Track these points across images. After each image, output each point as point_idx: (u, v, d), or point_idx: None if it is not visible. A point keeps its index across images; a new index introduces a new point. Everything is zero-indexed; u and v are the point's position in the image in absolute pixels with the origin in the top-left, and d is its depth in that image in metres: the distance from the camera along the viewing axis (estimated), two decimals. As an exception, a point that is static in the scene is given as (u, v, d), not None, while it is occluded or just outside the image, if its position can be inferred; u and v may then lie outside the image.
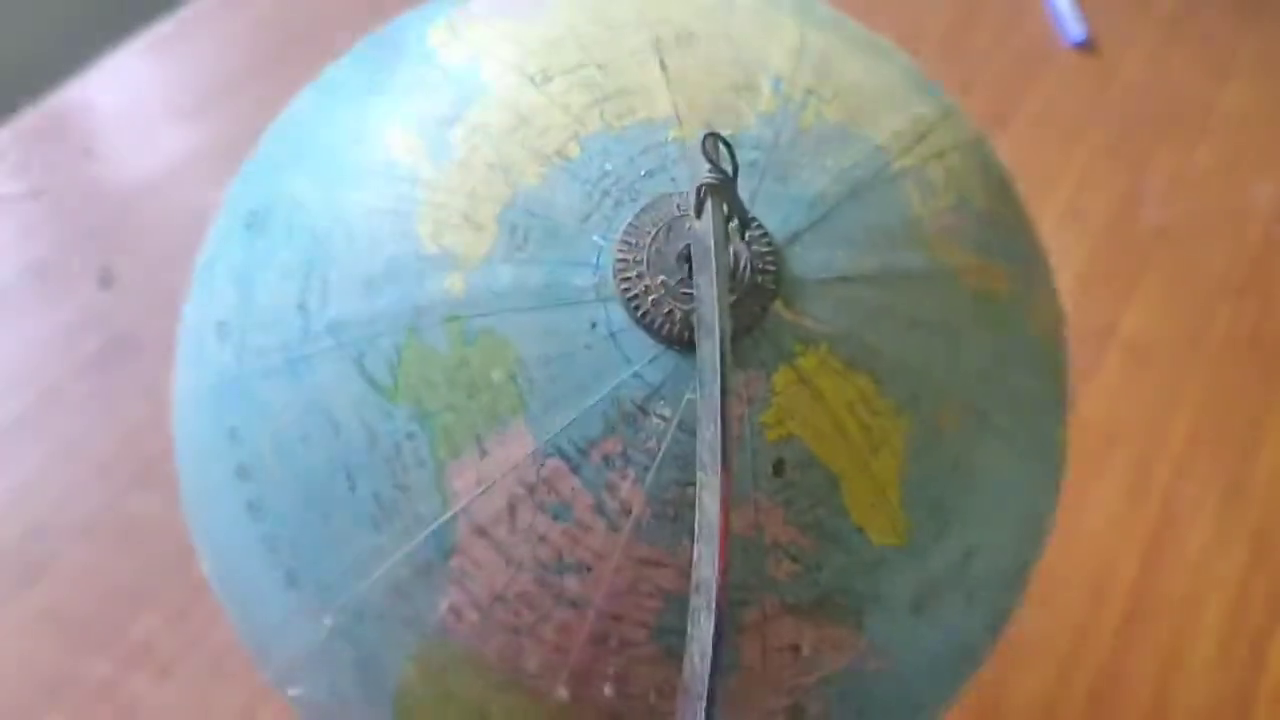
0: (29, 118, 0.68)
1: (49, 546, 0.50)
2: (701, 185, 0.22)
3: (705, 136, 0.22)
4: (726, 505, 0.21)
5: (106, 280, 0.60)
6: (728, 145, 0.22)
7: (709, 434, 0.21)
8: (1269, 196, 0.70)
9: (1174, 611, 0.53)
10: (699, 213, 0.22)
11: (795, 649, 0.25)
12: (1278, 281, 0.66)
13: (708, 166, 0.21)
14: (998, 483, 0.26)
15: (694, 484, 0.23)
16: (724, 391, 0.21)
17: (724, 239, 0.21)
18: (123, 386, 0.56)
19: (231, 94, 0.68)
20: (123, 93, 0.69)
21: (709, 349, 0.21)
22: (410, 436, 0.24)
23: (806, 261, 0.24)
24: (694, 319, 0.23)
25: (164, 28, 0.72)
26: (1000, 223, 0.28)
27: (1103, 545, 0.55)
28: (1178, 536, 0.55)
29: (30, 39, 0.82)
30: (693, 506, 0.23)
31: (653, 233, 0.23)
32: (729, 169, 0.22)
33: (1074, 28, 0.76)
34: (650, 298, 0.23)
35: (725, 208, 0.22)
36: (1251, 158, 0.72)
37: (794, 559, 0.24)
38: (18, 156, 0.66)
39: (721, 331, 0.21)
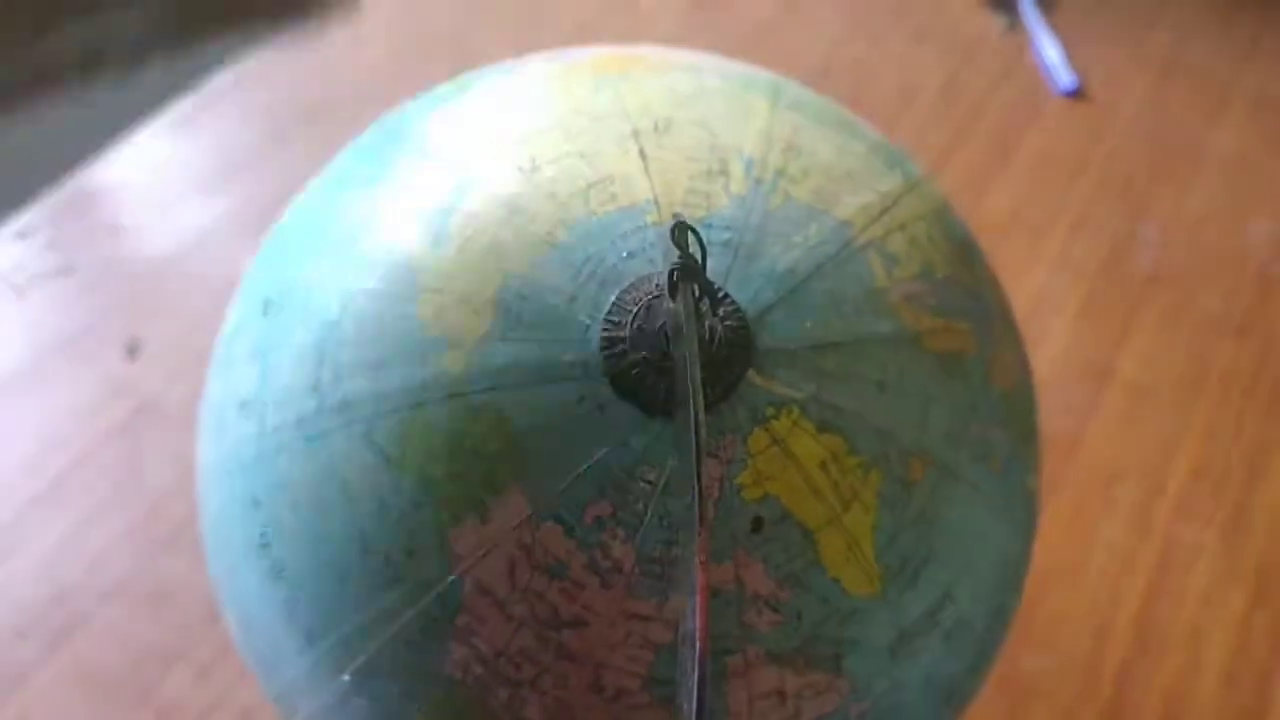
0: (58, 197, 0.71)
1: (79, 609, 0.52)
2: (672, 269, 0.24)
3: (674, 225, 0.24)
4: (705, 562, 0.22)
5: (133, 350, 0.63)
6: (695, 232, 0.24)
7: (688, 497, 0.23)
8: (1266, 235, 0.71)
9: (1178, 649, 0.53)
10: (672, 295, 0.24)
11: (780, 695, 0.26)
12: (1276, 320, 0.66)
13: (678, 253, 0.23)
14: (968, 531, 0.28)
15: (679, 542, 0.25)
16: (698, 458, 0.22)
17: (694, 319, 0.23)
18: (150, 453, 0.58)
19: (250, 168, 0.71)
20: (146, 170, 0.72)
21: (685, 419, 0.23)
22: (417, 505, 0.26)
23: (777, 332, 0.26)
24: (673, 391, 0.25)
25: (184, 106, 0.75)
26: (963, 285, 0.30)
27: (1105, 583, 0.55)
28: (1180, 574, 0.56)
29: (58, 119, 0.86)
30: (678, 564, 0.25)
31: (634, 311, 0.26)
32: (698, 253, 0.24)
33: (1065, 77, 0.78)
34: (634, 372, 0.25)
35: (696, 289, 0.24)
36: (1247, 197, 0.73)
37: (774, 610, 0.26)
38: (48, 235, 0.69)
39: (695, 403, 0.23)
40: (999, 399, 0.29)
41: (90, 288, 0.66)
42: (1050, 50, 0.79)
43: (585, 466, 0.25)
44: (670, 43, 0.78)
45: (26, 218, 0.70)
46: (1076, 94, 0.78)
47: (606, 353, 0.25)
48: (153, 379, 0.62)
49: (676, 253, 0.24)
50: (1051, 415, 0.61)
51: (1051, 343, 0.64)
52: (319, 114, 0.74)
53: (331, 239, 0.29)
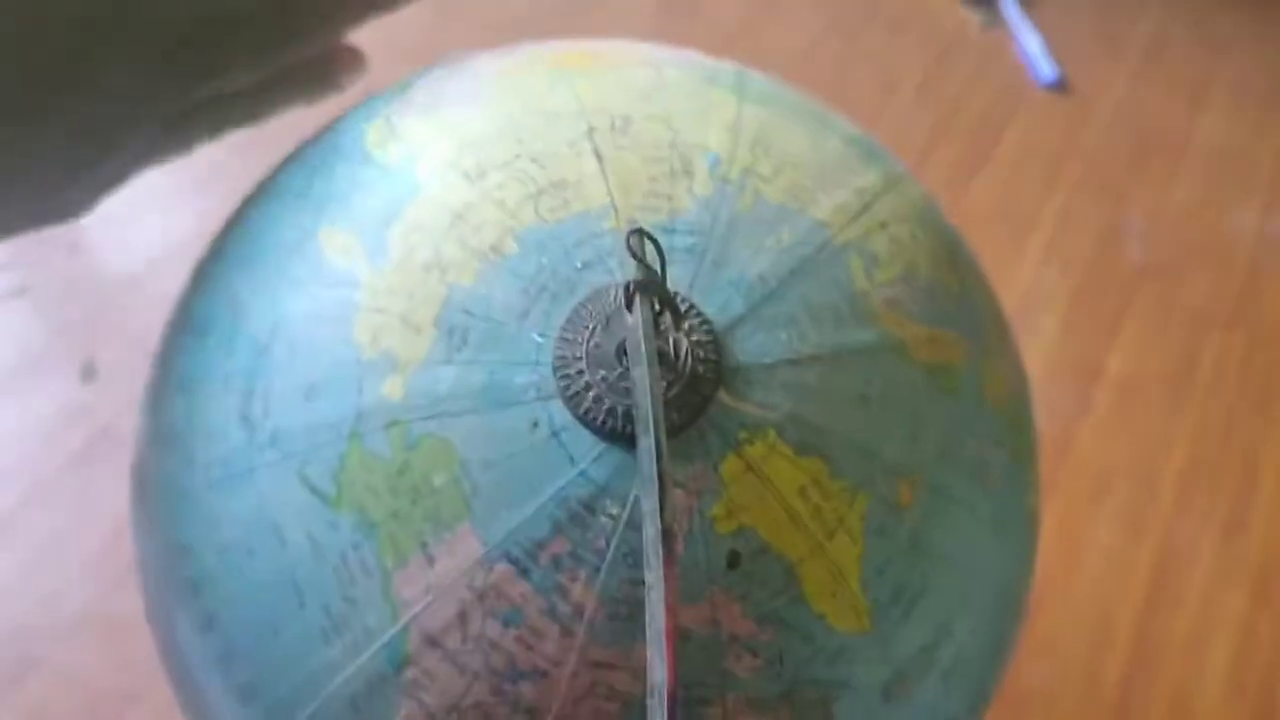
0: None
1: (34, 647, 0.50)
2: (629, 283, 0.21)
3: (630, 232, 0.21)
4: (674, 606, 0.20)
5: (90, 374, 0.60)
6: (653, 239, 0.22)
7: (651, 532, 0.20)
8: (1250, 225, 0.70)
9: (1180, 654, 0.52)
10: (629, 308, 0.22)
11: (763, 745, 0.24)
12: (1264, 310, 0.65)
13: (635, 263, 0.21)
14: (964, 558, 0.26)
15: (646, 583, 0.22)
16: (663, 490, 0.20)
17: (654, 338, 0.21)
18: (106, 481, 0.56)
19: (211, 185, 0.68)
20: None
21: (646, 446, 0.21)
22: (356, 546, 0.23)
23: (749, 346, 0.24)
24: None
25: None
26: (950, 290, 0.27)
27: (1103, 589, 0.54)
28: (1179, 576, 0.54)
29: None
30: (645, 606, 0.22)
31: (591, 327, 0.23)
32: (659, 263, 0.21)
33: (1046, 69, 0.76)
34: (591, 394, 0.23)
35: (655, 302, 0.21)
36: (1230, 188, 0.72)
37: (754, 653, 0.23)
38: (2, 254, 0.66)
39: (657, 428, 0.20)
40: (993, 413, 0.27)
41: (45, 309, 0.64)
42: (1031, 42, 0.78)
43: (540, 501, 0.23)
44: (640, 43, 0.76)
45: (-24, 238, 0.67)
46: (1058, 86, 0.76)
47: (561, 373, 0.23)
48: (110, 404, 0.59)
49: (630, 255, 0.22)
50: (1040, 416, 0.59)
51: (1040, 341, 0.63)
52: (282, 130, 0.71)
53: (263, 256, 0.27)
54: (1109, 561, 0.55)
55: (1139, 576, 0.54)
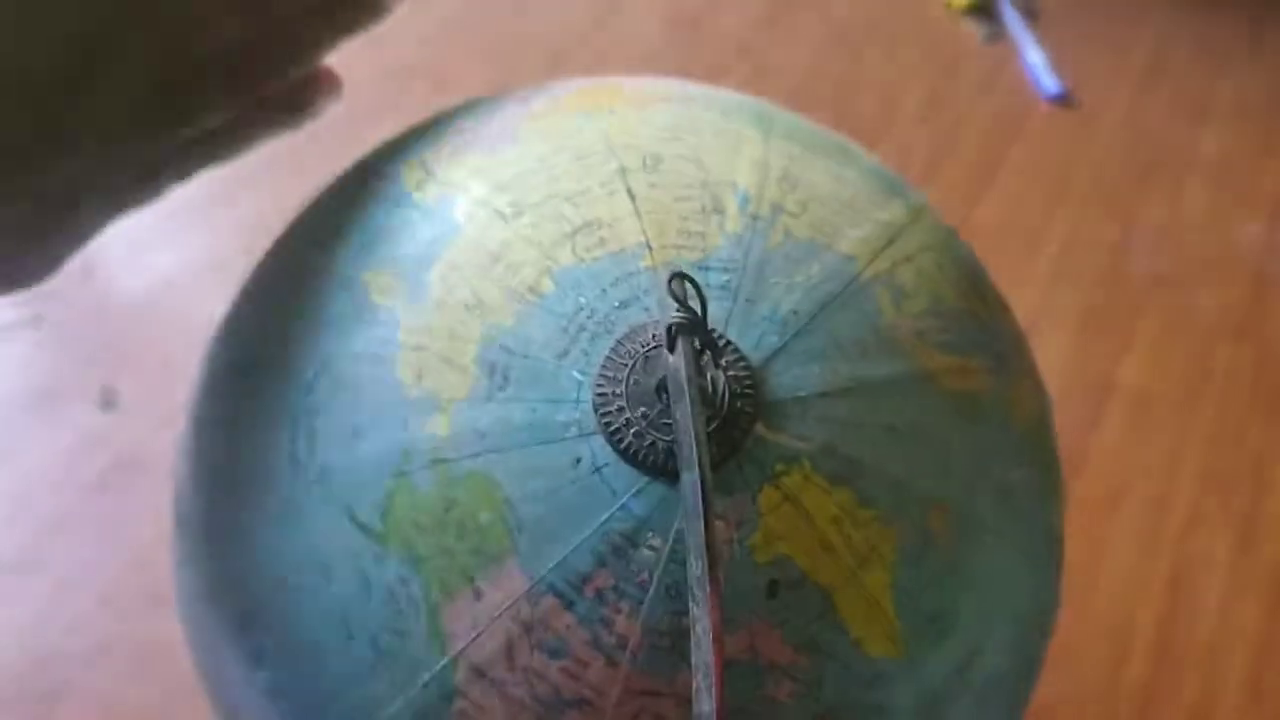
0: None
1: (62, 675, 0.50)
2: (671, 325, 0.22)
3: (671, 277, 0.22)
4: (720, 637, 0.21)
5: (109, 401, 0.61)
6: (694, 284, 0.22)
7: (697, 568, 0.21)
8: (1257, 235, 0.70)
9: (1199, 665, 0.52)
10: (671, 349, 0.22)
11: (803, 769, 0.24)
12: (1273, 321, 0.66)
13: (676, 306, 0.22)
14: (994, 581, 0.26)
15: (689, 613, 0.23)
16: (707, 521, 0.21)
17: (695, 378, 0.22)
18: (129, 508, 0.56)
19: (222, 206, 0.69)
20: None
21: (690, 482, 0.21)
22: (403, 581, 0.24)
23: (784, 380, 0.24)
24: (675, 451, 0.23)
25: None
26: (975, 318, 0.28)
27: (1119, 601, 0.54)
28: (1195, 587, 0.55)
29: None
30: (688, 634, 0.23)
31: (630, 365, 0.24)
32: (697, 306, 0.22)
33: (1050, 82, 0.77)
34: (632, 430, 0.23)
35: (696, 343, 0.22)
36: (1237, 198, 0.72)
37: (793, 678, 0.24)
38: (18, 284, 0.67)
39: (701, 462, 0.21)
40: (1019, 438, 0.28)
41: (61, 337, 0.64)
42: (1034, 56, 0.78)
43: (584, 534, 0.23)
44: (648, 64, 0.77)
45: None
46: (1062, 99, 0.77)
47: (601, 411, 0.24)
48: (130, 430, 0.60)
49: (672, 298, 0.23)
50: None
51: (1052, 357, 0.63)
52: (293, 150, 0.72)
53: (303, 296, 0.27)
54: (1126, 573, 0.55)
55: (1156, 587, 0.55)
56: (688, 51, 0.79)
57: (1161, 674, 0.52)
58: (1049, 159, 0.74)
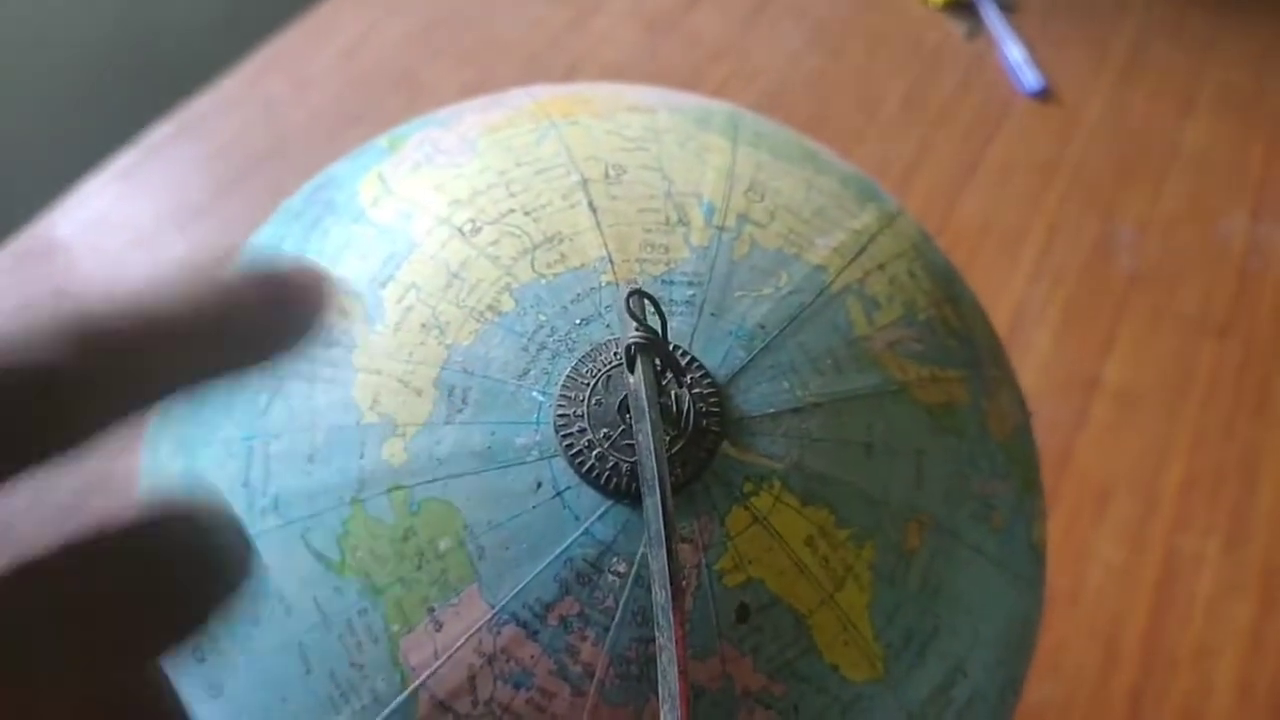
0: (1, 259, 0.68)
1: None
2: (630, 344, 0.21)
3: (629, 294, 0.21)
4: (685, 669, 0.20)
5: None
6: (653, 300, 0.21)
7: (661, 595, 0.20)
8: (1239, 230, 0.70)
9: (1188, 666, 0.52)
10: (630, 367, 0.21)
11: (779, 799, 0.24)
12: (1257, 316, 0.65)
13: (634, 324, 0.21)
14: (974, 597, 0.26)
15: (656, 641, 0.22)
16: (670, 545, 0.20)
17: (657, 398, 0.21)
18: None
19: (195, 218, 0.68)
20: (90, 225, 0.69)
21: (652, 505, 0.20)
22: (362, 612, 0.23)
23: (751, 397, 0.24)
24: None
25: (126, 158, 0.72)
26: (950, 326, 0.27)
27: (1108, 602, 0.54)
28: (1184, 587, 0.54)
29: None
30: (656, 663, 0.22)
31: (591, 384, 0.23)
32: (658, 323, 0.21)
33: (1030, 77, 0.76)
34: (594, 452, 0.23)
35: (657, 362, 0.21)
36: (1219, 192, 0.72)
37: (767, 706, 0.23)
38: (-11, 300, 0.66)
39: (662, 484, 0.20)
40: (998, 449, 0.27)
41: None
42: (1014, 51, 0.78)
43: (546, 561, 0.22)
44: (625, 68, 0.76)
45: (-37, 286, 0.66)
46: (1042, 95, 0.76)
47: (563, 432, 0.23)
48: (100, 450, 0.59)
49: (630, 316, 0.22)
50: (1039, 430, 0.59)
51: (1035, 354, 0.63)
52: (265, 161, 0.71)
53: (257, 317, 0.26)
54: (1113, 574, 0.54)
55: (1144, 588, 0.54)
56: (667, 53, 0.78)
57: (1151, 676, 0.51)
58: (1030, 155, 0.73)
